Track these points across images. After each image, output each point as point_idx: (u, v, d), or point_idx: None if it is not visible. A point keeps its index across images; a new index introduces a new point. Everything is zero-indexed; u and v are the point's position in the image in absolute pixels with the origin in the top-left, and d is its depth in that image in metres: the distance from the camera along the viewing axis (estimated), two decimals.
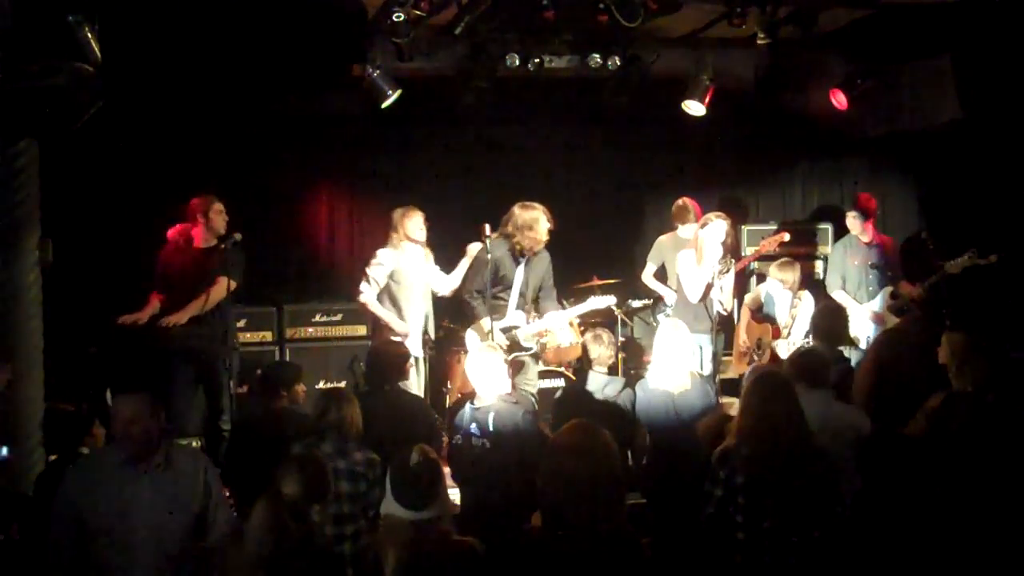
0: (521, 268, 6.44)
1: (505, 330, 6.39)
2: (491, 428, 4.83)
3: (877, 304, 7.21)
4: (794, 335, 6.90)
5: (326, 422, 4.51)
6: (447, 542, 3.04)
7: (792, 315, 6.91)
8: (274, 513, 3.22)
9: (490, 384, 4.94)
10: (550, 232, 6.31)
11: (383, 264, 6.74)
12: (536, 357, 6.64)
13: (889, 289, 7.20)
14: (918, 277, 7.20)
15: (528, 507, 4.54)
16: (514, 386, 6.54)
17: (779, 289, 7.02)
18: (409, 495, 3.12)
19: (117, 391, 3.76)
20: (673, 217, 7.60)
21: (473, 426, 4.89)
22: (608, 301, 6.69)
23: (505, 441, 4.82)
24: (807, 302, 6.94)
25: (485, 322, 6.30)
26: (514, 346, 6.37)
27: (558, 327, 6.70)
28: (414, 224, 6.77)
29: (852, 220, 7.34)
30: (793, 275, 6.98)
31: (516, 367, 6.46)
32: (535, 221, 6.23)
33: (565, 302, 7.88)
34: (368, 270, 6.75)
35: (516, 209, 6.30)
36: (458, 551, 3.01)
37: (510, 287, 6.44)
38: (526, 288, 6.49)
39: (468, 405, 5.03)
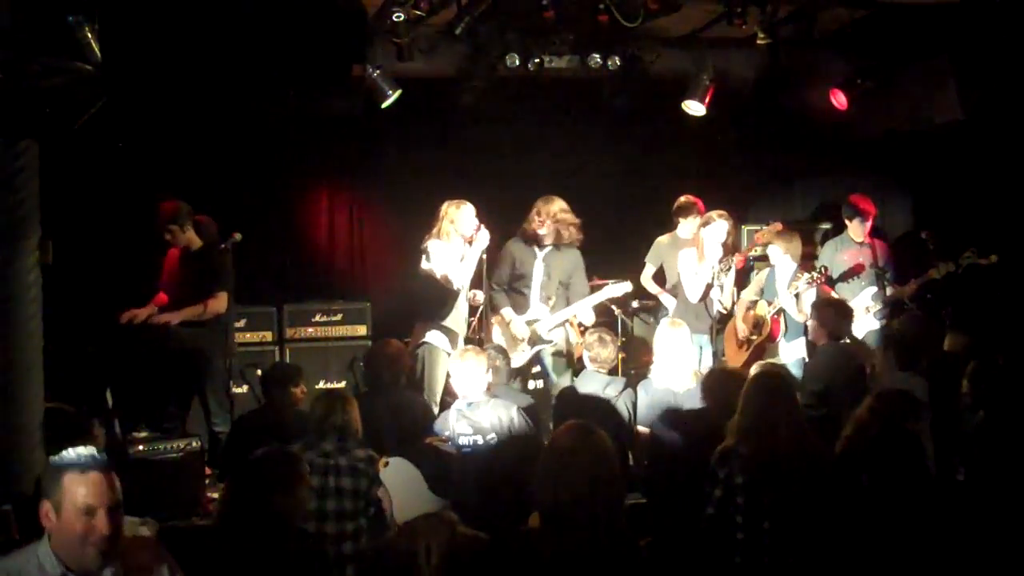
0: (539, 261, 6.53)
1: (529, 322, 6.46)
2: (484, 425, 4.82)
3: (859, 302, 7.18)
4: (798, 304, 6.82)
5: (326, 421, 4.52)
6: (471, 536, 3.05)
7: (795, 287, 6.79)
8: (235, 499, 3.24)
9: (472, 385, 4.95)
10: (573, 226, 6.61)
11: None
12: (562, 355, 6.70)
13: (873, 290, 7.18)
14: (914, 276, 7.19)
15: (524, 502, 4.55)
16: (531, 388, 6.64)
17: (780, 257, 6.97)
18: (448, 483, 3.17)
19: (65, 468, 2.50)
20: (674, 213, 7.53)
21: (463, 425, 4.88)
22: (625, 288, 6.78)
23: (500, 436, 4.82)
24: (805, 280, 6.88)
25: (506, 312, 6.40)
26: (535, 339, 6.44)
27: (582, 315, 6.78)
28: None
29: (856, 225, 7.29)
30: (793, 242, 6.95)
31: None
32: (538, 211, 6.57)
33: None
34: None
35: (537, 203, 6.63)
36: (479, 544, 3.02)
37: (529, 281, 6.57)
38: (547, 280, 6.54)
39: (455, 405, 5.01)
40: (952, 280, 6.93)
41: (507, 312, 6.55)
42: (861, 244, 7.33)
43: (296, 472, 3.46)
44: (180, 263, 6.47)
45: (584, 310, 6.76)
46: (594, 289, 6.96)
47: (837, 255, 7.37)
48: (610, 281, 6.94)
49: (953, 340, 5.57)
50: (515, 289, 6.61)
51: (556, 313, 6.61)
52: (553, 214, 6.54)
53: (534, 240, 6.64)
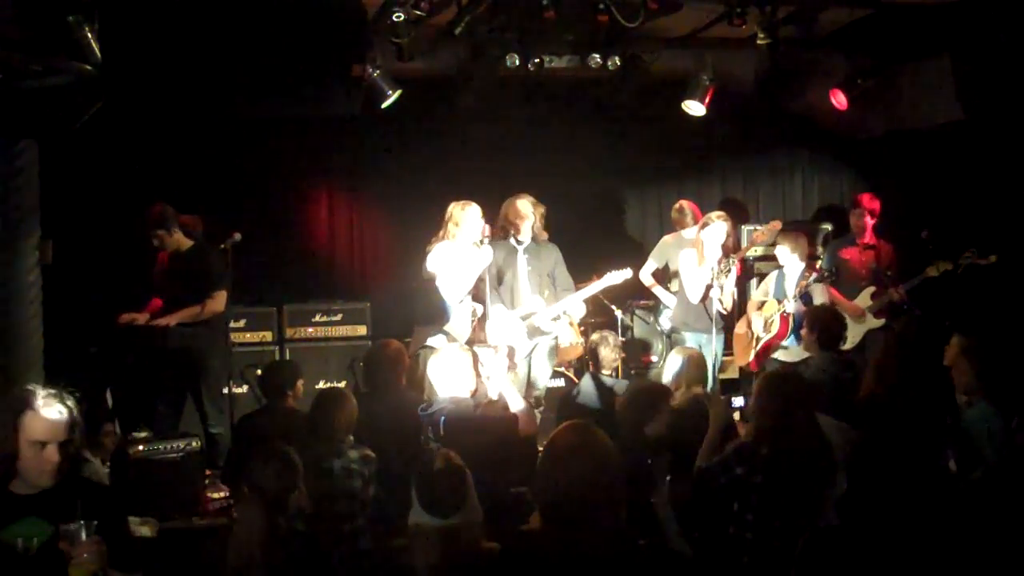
0: (521, 254, 6.50)
1: (524, 317, 6.43)
2: (442, 431, 4.74)
3: (860, 303, 7.17)
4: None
5: (320, 421, 4.50)
6: (476, 549, 3.02)
7: (802, 287, 6.75)
8: (260, 509, 3.23)
9: (449, 384, 4.89)
10: (543, 219, 6.58)
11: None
12: (554, 351, 6.68)
13: (872, 289, 7.16)
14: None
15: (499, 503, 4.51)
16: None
17: (788, 257, 6.96)
18: (434, 502, 3.11)
19: None
20: (674, 222, 7.70)
21: (428, 430, 4.83)
22: (625, 275, 6.72)
23: (456, 445, 4.71)
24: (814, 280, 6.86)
25: (498, 309, 6.35)
26: (534, 332, 6.42)
27: (576, 306, 6.75)
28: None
29: (860, 224, 7.28)
30: (799, 242, 6.94)
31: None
32: (510, 207, 6.57)
33: None
34: None
35: (505, 203, 6.61)
36: (487, 558, 2.99)
37: (516, 278, 6.53)
38: (534, 274, 6.56)
39: (419, 410, 4.94)
40: (951, 279, 6.90)
41: (499, 310, 6.41)
42: (865, 244, 7.28)
43: (298, 471, 3.54)
44: (170, 266, 6.45)
45: (582, 299, 6.73)
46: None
47: (839, 254, 7.34)
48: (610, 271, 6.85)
49: (958, 343, 5.49)
50: (502, 287, 6.55)
51: (552, 306, 6.59)
52: (532, 212, 6.53)
53: (513, 237, 6.58)
